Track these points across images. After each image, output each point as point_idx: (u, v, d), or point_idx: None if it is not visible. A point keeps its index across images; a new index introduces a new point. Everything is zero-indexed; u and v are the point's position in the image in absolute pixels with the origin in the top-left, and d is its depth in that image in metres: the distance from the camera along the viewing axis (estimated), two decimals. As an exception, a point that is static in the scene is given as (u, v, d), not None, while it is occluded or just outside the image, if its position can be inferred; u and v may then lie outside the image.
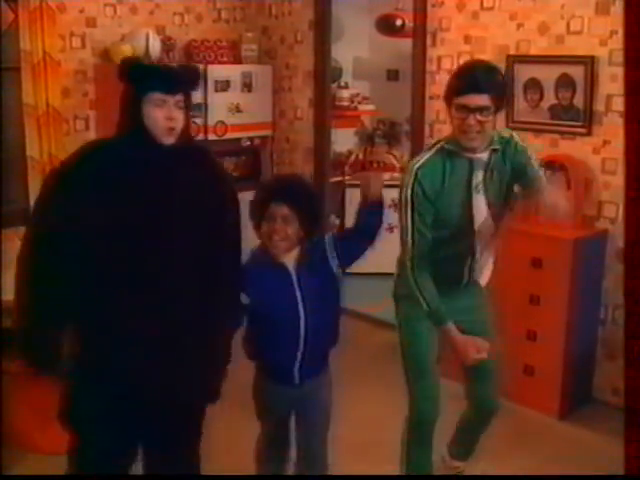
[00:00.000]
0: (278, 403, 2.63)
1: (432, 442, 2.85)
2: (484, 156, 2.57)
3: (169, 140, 2.21)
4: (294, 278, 2.48)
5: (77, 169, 2.20)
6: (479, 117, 2.45)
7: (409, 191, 2.56)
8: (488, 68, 2.57)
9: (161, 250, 2.20)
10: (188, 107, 2.30)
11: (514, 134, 2.70)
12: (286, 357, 2.53)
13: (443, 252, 2.62)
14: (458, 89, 2.48)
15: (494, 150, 2.59)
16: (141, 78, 2.21)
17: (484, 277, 2.76)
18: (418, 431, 2.81)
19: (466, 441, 3.07)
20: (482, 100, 2.43)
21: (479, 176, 2.58)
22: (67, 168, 2.23)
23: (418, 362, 2.78)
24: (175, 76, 2.29)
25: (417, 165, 2.59)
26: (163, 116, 2.18)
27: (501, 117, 4.14)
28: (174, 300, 2.22)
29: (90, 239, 2.14)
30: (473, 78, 2.47)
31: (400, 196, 2.61)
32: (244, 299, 2.46)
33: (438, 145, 2.63)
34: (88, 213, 2.13)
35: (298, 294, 2.47)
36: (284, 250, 2.46)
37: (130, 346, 2.19)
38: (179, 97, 2.23)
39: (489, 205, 2.62)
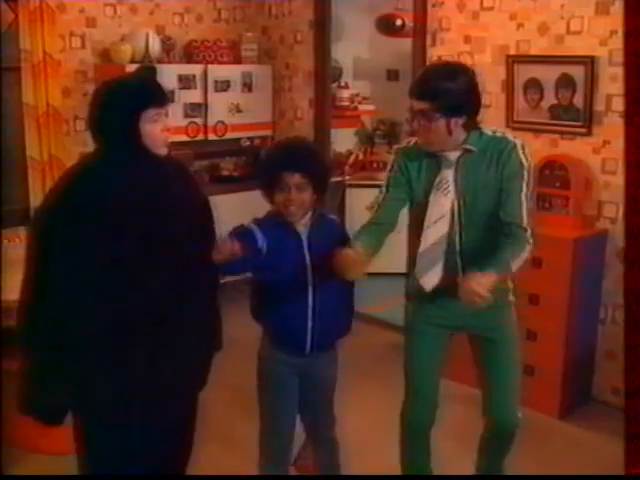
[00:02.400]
0: (285, 375, 2.59)
1: (427, 448, 2.83)
2: (453, 155, 2.55)
3: (164, 150, 2.26)
4: (305, 242, 2.51)
5: (74, 203, 2.17)
6: (423, 122, 2.50)
7: (393, 163, 2.67)
8: (434, 73, 2.57)
9: (164, 252, 2.23)
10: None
11: (520, 143, 2.56)
12: (298, 322, 2.52)
13: (414, 247, 2.65)
14: (409, 92, 2.55)
15: (467, 150, 2.54)
16: (135, 96, 2.21)
17: (425, 281, 2.60)
18: (410, 436, 2.81)
19: (489, 468, 2.94)
20: (421, 106, 2.48)
21: (446, 174, 2.55)
22: (63, 203, 2.19)
23: (415, 369, 2.75)
24: (162, 88, 2.29)
25: (400, 145, 2.75)
26: (160, 129, 2.22)
27: (501, 117, 4.17)
28: (171, 299, 2.27)
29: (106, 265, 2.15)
30: (415, 85, 2.54)
31: None
32: (262, 240, 2.46)
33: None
34: (99, 242, 2.13)
35: (307, 258, 2.50)
36: (300, 217, 2.51)
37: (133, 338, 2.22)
38: (167, 107, 2.28)
39: (458, 209, 2.55)
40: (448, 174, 2.55)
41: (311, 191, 2.48)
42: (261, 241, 2.47)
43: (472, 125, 2.54)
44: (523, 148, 2.55)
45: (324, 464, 2.79)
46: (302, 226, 2.52)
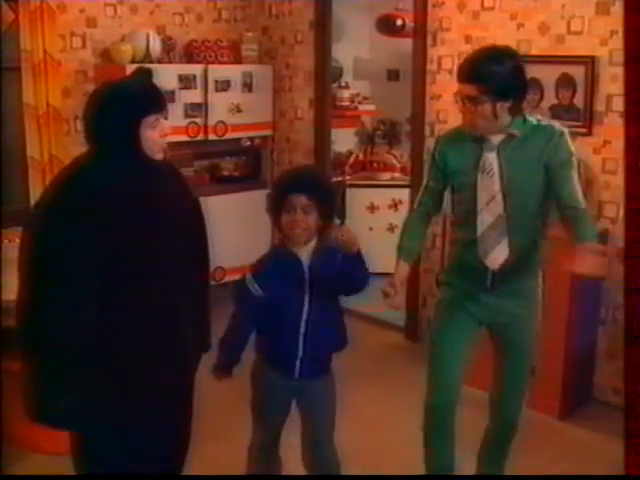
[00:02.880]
0: (277, 393, 2.63)
1: (451, 431, 2.82)
2: (496, 139, 2.60)
3: (160, 155, 2.26)
4: (306, 270, 2.53)
5: (75, 206, 2.14)
6: (469, 105, 2.54)
7: (430, 156, 2.77)
8: (482, 57, 2.60)
9: (158, 254, 2.24)
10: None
11: (566, 132, 2.62)
12: (288, 348, 2.56)
13: (457, 233, 2.76)
14: (457, 78, 2.60)
15: (511, 135, 2.59)
16: (138, 103, 2.21)
17: (491, 260, 2.67)
18: (432, 416, 2.81)
19: (491, 461, 3.01)
20: (468, 89, 2.52)
21: (490, 158, 2.61)
22: (64, 206, 2.16)
23: (439, 349, 2.79)
24: (162, 93, 2.31)
25: (441, 135, 2.85)
26: (158, 135, 2.23)
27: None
28: (165, 299, 2.29)
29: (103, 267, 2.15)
30: (462, 68, 2.59)
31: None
32: (256, 291, 2.52)
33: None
34: (98, 244, 2.12)
35: (307, 286, 2.52)
36: (305, 241, 2.52)
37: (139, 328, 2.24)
38: (165, 112, 2.29)
39: (505, 190, 2.60)
40: (491, 157, 2.61)
41: (316, 215, 2.50)
42: (257, 292, 2.53)
43: (517, 110, 2.59)
44: (568, 137, 2.61)
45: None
46: (305, 252, 2.54)
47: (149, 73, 2.34)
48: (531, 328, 2.84)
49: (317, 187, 2.53)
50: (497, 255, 2.67)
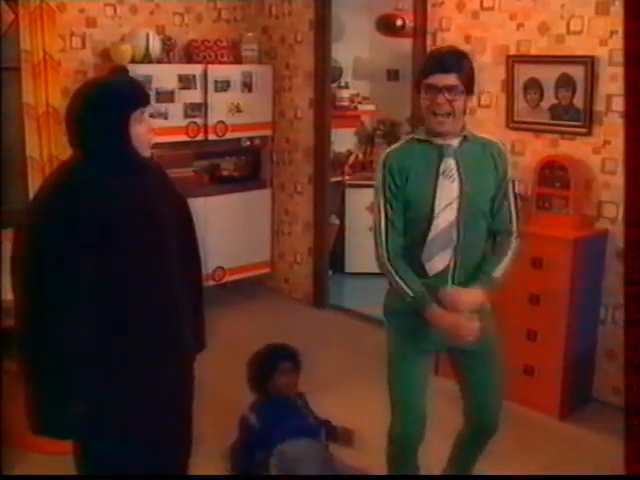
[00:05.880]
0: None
1: (417, 466, 2.79)
2: (454, 142, 2.55)
3: (149, 152, 2.23)
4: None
5: (66, 212, 2.09)
6: (447, 96, 2.48)
7: (380, 180, 2.59)
8: (454, 51, 2.65)
9: (151, 256, 2.23)
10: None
11: (501, 144, 2.69)
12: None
13: (407, 239, 2.60)
14: (426, 71, 2.53)
15: (465, 138, 2.57)
16: (126, 97, 2.19)
17: (430, 265, 2.56)
18: (400, 454, 2.76)
19: (461, 465, 2.93)
20: (449, 79, 2.47)
21: (449, 162, 2.54)
22: (55, 211, 2.11)
23: (402, 389, 2.68)
24: (143, 87, 2.29)
25: (386, 153, 2.63)
26: (145, 130, 2.19)
27: (501, 117, 4.17)
28: (161, 300, 2.27)
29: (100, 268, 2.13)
30: (440, 59, 2.55)
31: (375, 187, 2.64)
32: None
33: (409, 136, 2.69)
34: (92, 248, 2.10)
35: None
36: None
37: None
38: (149, 106, 2.26)
39: (464, 194, 2.53)
40: (451, 162, 2.55)
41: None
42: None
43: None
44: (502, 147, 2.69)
45: None
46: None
47: (125, 71, 2.33)
48: (489, 335, 2.67)
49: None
50: (437, 262, 2.56)
